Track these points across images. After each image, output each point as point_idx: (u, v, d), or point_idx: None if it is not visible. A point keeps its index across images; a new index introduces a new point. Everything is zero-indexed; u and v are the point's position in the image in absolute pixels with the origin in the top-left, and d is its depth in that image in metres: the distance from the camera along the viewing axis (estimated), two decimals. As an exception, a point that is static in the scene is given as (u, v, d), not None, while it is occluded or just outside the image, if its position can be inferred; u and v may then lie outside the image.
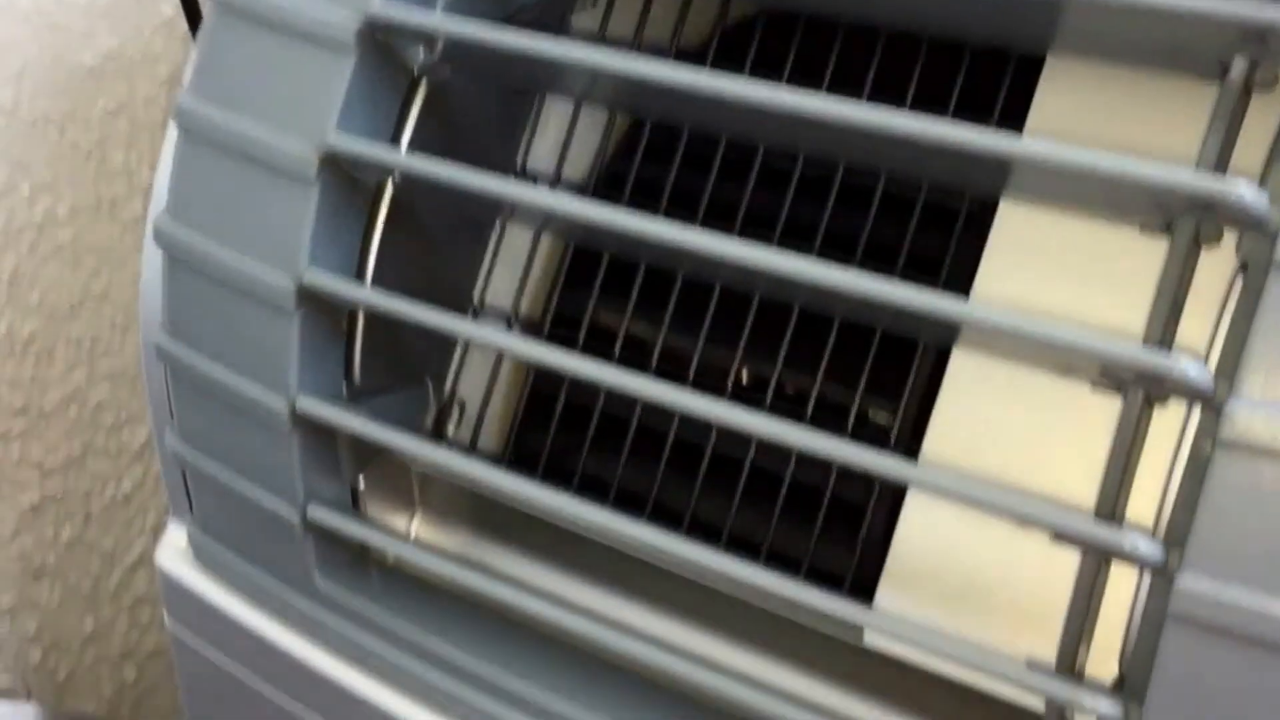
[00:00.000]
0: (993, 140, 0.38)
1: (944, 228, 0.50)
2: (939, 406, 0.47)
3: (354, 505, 0.55)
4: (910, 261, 0.50)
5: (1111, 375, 0.39)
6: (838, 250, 0.50)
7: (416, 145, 0.51)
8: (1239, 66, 0.39)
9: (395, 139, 0.51)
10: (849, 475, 0.49)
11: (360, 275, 0.51)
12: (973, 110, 0.48)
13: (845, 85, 0.51)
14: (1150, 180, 0.37)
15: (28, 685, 1.01)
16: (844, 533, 0.49)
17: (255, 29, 0.50)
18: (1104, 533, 0.37)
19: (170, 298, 0.54)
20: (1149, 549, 0.36)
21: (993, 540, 0.45)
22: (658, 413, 0.53)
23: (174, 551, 0.60)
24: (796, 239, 0.51)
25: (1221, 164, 0.39)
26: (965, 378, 0.47)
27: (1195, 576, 0.35)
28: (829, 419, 0.50)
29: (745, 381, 0.53)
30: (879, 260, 0.49)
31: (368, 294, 0.49)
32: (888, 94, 0.49)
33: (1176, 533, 0.36)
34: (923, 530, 0.46)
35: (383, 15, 0.48)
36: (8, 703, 0.94)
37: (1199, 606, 0.35)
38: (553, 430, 0.55)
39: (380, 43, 0.49)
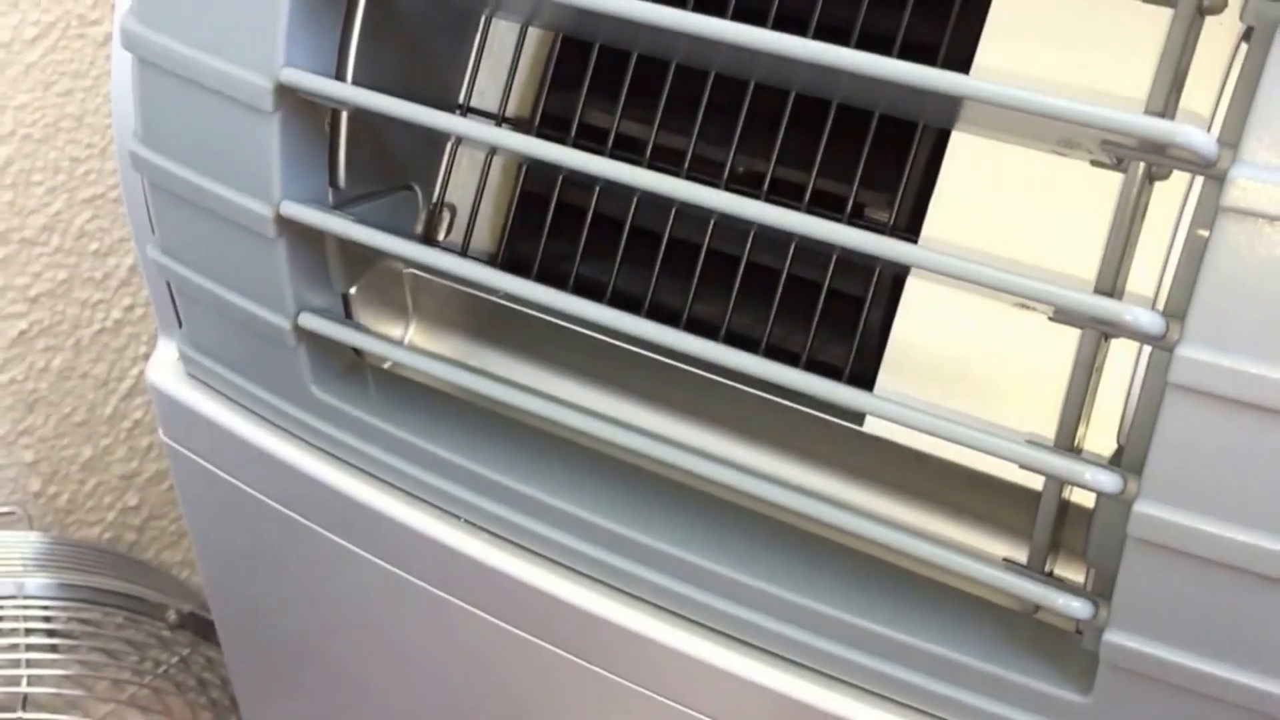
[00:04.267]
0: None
1: (940, 14, 0.49)
2: (938, 190, 0.47)
3: (347, 316, 0.55)
4: (906, 48, 0.49)
5: (1112, 149, 0.39)
6: (834, 37, 0.49)
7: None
8: None
9: (370, -71, 0.50)
10: (846, 269, 0.49)
11: (340, 75, 0.51)
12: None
13: None
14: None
15: (28, 514, 1.03)
16: (842, 327, 0.49)
17: None
18: (1105, 306, 0.37)
19: (143, 103, 0.53)
20: (1150, 321, 0.36)
21: (991, 326, 0.45)
22: (652, 212, 0.53)
23: (165, 367, 0.61)
24: (792, 27, 0.50)
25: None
26: (963, 162, 0.46)
27: (1195, 346, 0.35)
28: (825, 213, 0.49)
29: (740, 178, 0.52)
30: (875, 47, 0.49)
31: (348, 90, 0.48)
32: None
33: (1176, 305, 0.37)
34: (922, 317, 0.47)
35: None
36: (10, 532, 0.95)
37: (1199, 376, 0.35)
38: (546, 232, 0.55)
39: None
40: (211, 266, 0.54)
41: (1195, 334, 0.35)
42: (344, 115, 0.52)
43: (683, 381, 0.52)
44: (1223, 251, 0.35)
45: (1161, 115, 0.39)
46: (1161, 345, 0.36)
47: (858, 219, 0.49)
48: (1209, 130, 0.37)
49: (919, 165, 0.48)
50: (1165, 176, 0.40)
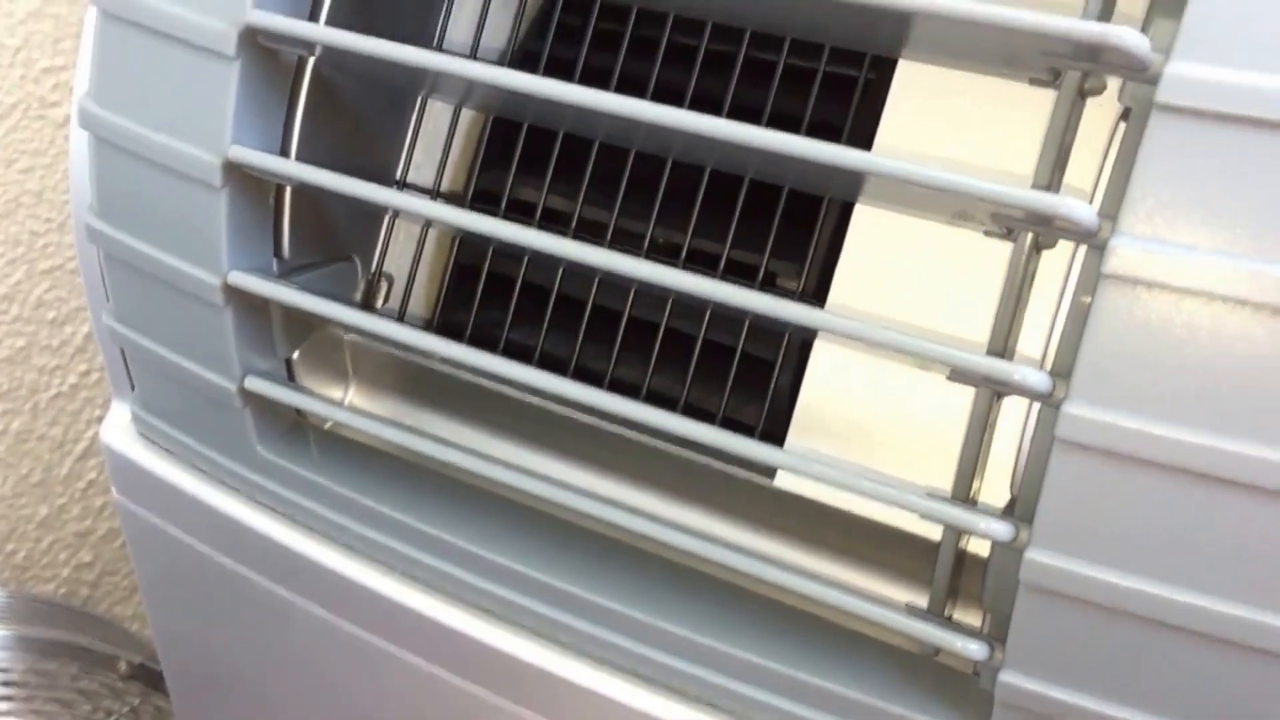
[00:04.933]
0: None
1: (843, 97, 0.49)
2: (843, 259, 0.47)
3: (290, 380, 0.55)
4: (813, 127, 0.49)
5: (1002, 220, 0.39)
6: (743, 118, 0.50)
7: (334, 22, 0.50)
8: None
9: (314, 16, 0.49)
10: (759, 333, 0.49)
11: (285, 152, 0.50)
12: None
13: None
14: (1041, 28, 0.37)
15: (-14, 570, 1.01)
16: (754, 388, 0.49)
17: (170, -90, 0.49)
18: (995, 367, 0.37)
19: (99, 179, 0.52)
20: (1037, 380, 0.36)
21: (894, 385, 0.46)
22: (577, 281, 0.53)
23: (118, 428, 0.60)
24: (704, 108, 0.50)
25: (1106, 13, 0.39)
26: (867, 233, 0.47)
27: (1080, 403, 0.36)
28: (738, 280, 0.50)
29: (660, 248, 0.52)
30: (784, 126, 0.49)
31: (292, 167, 0.48)
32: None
33: (1063, 365, 0.37)
34: (828, 379, 0.47)
35: (295, -107, 0.46)
36: (-32, 587, 0.94)
37: (1083, 431, 0.36)
38: (478, 299, 0.55)
39: (293, -80, 0.47)
40: (163, 332, 0.54)
41: (1080, 392, 0.36)
42: (288, 189, 0.51)
43: (608, 442, 0.52)
44: (1104, 315, 0.35)
45: (1047, 189, 0.39)
46: (1049, 402, 0.37)
47: (769, 286, 0.50)
48: (1090, 203, 0.37)
49: (825, 236, 0.49)
50: (1052, 246, 0.41)
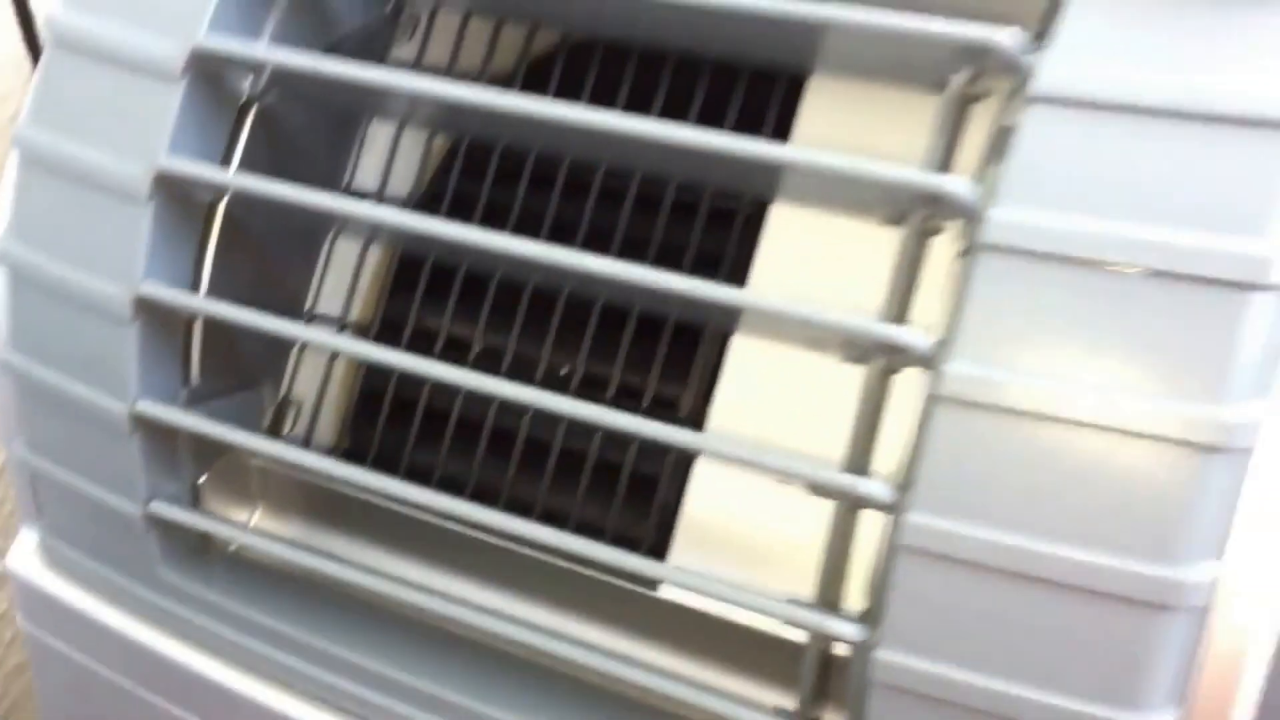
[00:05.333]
0: (760, 148, 0.43)
1: (724, 229, 0.54)
2: (721, 383, 0.51)
3: (197, 503, 0.57)
4: (697, 259, 0.54)
5: (853, 348, 0.44)
6: (633, 250, 0.54)
7: (247, 166, 0.53)
8: (957, 80, 0.44)
9: (227, 160, 0.53)
10: (645, 452, 0.53)
11: (196, 286, 0.53)
12: (748, 125, 0.52)
13: (638, 106, 0.55)
14: (883, 178, 0.41)
15: (-111, 703, 1.01)
16: (641, 503, 0.53)
17: (89, 60, 0.52)
18: (843, 480, 0.41)
19: (14, 314, 0.55)
20: (880, 491, 0.40)
21: (768, 499, 0.49)
22: (477, 405, 0.56)
23: (25, 555, 0.61)
24: (597, 242, 0.54)
25: (944, 164, 0.44)
26: (743, 358, 0.51)
27: (920, 514, 0.39)
28: (626, 403, 0.53)
29: (556, 372, 0.56)
30: (670, 258, 0.53)
31: (201, 303, 0.51)
32: (676, 113, 0.53)
33: (907, 478, 0.41)
34: (709, 494, 0.50)
35: (209, 47, 0.50)
36: None
37: (923, 539, 0.39)
38: (381, 425, 0.58)
39: (208, 72, 0.51)
40: (71, 460, 0.56)
41: (919, 503, 0.39)
42: (197, 321, 0.54)
43: (508, 558, 0.54)
44: (938, 433, 0.39)
45: (893, 319, 0.43)
46: (894, 512, 0.41)
47: (658, 407, 0.53)
48: (928, 332, 0.41)
49: (706, 361, 0.52)
50: (900, 369, 0.45)
